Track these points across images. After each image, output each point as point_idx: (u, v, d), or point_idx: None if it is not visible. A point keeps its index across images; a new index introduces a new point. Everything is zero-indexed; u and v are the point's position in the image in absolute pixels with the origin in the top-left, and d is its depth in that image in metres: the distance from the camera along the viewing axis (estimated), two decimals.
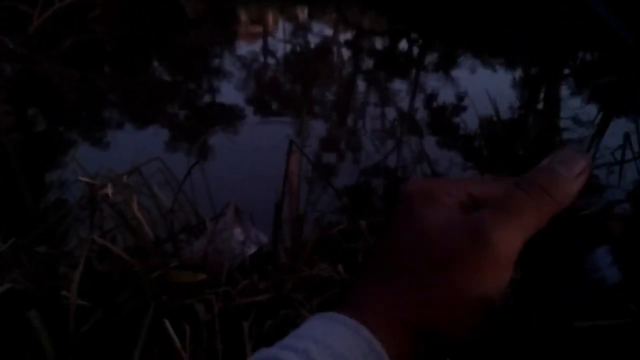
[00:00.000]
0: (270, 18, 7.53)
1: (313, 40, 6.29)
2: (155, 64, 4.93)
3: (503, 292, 0.29)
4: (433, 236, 0.29)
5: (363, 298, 0.30)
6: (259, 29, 6.85)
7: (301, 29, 6.96)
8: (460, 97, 3.85)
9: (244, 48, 5.56)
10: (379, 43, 6.40)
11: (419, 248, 0.30)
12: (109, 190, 1.40)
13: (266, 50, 5.59)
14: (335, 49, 5.98)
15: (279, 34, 6.55)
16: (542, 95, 4.33)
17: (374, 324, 0.28)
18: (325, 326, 0.28)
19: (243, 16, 7.45)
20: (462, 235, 0.28)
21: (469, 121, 3.12)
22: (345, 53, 5.82)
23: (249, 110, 3.57)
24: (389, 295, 0.29)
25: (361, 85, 4.64)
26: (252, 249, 1.49)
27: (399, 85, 4.42)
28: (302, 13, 7.92)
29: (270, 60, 5.26)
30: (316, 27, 7.17)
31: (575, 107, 3.63)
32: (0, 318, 1.17)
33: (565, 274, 0.31)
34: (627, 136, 2.32)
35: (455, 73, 4.69)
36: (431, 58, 5.65)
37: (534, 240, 0.29)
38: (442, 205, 0.30)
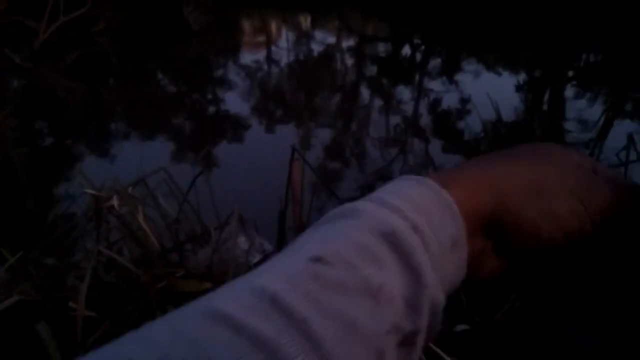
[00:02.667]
0: (273, 27, 7.58)
1: (316, 48, 6.32)
2: (160, 75, 4.98)
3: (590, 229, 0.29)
4: (548, 151, 0.31)
5: (446, 174, 0.29)
6: (262, 38, 6.90)
7: (304, 37, 7.00)
8: (464, 101, 3.86)
9: (247, 57, 5.60)
10: (381, 49, 6.42)
11: (533, 152, 0.32)
12: (115, 202, 1.42)
13: (269, 59, 5.63)
14: (338, 56, 6.01)
15: (282, 43, 6.59)
16: (545, 98, 4.33)
17: (450, 188, 0.28)
18: (399, 182, 0.28)
19: (246, 26, 7.50)
20: (580, 164, 0.31)
21: (474, 125, 3.12)
22: (349, 60, 5.85)
23: (252, 119, 3.60)
24: (479, 172, 0.29)
25: (364, 91, 4.66)
26: (256, 258, 1.50)
27: (403, 91, 4.43)
28: (305, 21, 7.96)
29: (274, 69, 5.30)
30: (319, 34, 7.20)
31: (579, 108, 3.63)
32: (9, 330, 1.19)
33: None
34: (631, 137, 2.31)
35: (458, 77, 4.70)
36: (434, 63, 5.66)
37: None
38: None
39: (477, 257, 0.28)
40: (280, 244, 1.50)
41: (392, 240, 0.24)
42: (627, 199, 0.31)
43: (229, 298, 0.22)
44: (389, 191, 0.27)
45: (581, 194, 0.29)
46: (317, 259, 0.23)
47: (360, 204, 0.27)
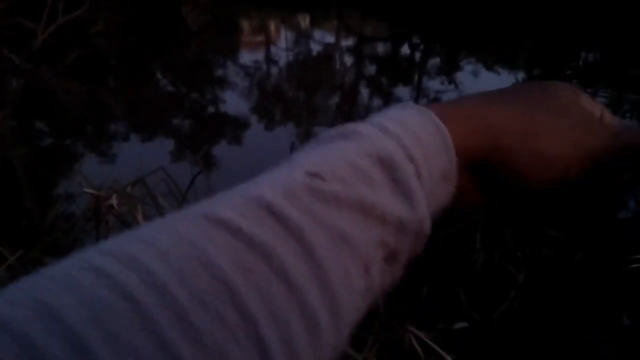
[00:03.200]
0: (272, 27, 7.58)
1: (315, 48, 6.33)
2: (158, 75, 4.98)
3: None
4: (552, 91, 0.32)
5: (446, 106, 0.30)
6: (261, 38, 6.90)
7: (303, 37, 7.00)
8: None
9: (246, 57, 5.60)
10: (380, 49, 6.42)
11: (540, 91, 0.32)
12: (114, 201, 1.42)
13: (268, 59, 5.63)
14: (337, 56, 6.01)
15: (281, 43, 6.59)
16: None
17: (453, 122, 0.28)
18: (401, 110, 0.29)
19: (245, 26, 7.51)
20: (579, 102, 0.31)
21: None
22: (347, 60, 5.85)
23: (251, 119, 3.60)
24: (478, 109, 0.30)
25: (363, 91, 4.67)
26: None
27: (401, 91, 4.43)
28: (304, 21, 7.96)
29: (273, 69, 5.30)
30: (318, 34, 7.21)
31: None
32: None
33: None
34: None
35: (457, 76, 4.70)
36: (433, 62, 5.67)
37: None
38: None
39: (461, 191, 0.29)
40: None
41: (388, 165, 0.25)
42: (627, 150, 0.32)
43: (227, 204, 0.22)
44: (390, 117, 0.28)
45: (575, 138, 0.30)
46: (314, 174, 0.24)
47: (360, 126, 0.27)
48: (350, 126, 0.27)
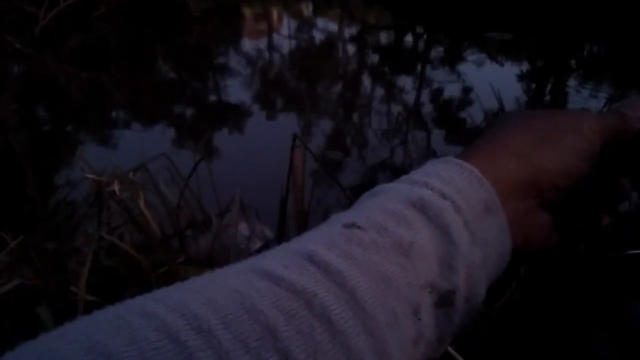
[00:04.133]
0: (274, 14, 7.53)
1: (318, 36, 6.29)
2: (160, 61, 4.95)
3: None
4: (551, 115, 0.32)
5: (467, 152, 0.31)
6: (263, 25, 6.86)
7: (306, 25, 6.96)
8: (466, 91, 3.84)
9: (248, 45, 5.57)
10: (383, 38, 6.38)
11: (542, 115, 0.32)
12: (116, 187, 1.42)
13: (271, 47, 5.60)
14: (340, 44, 5.97)
15: (284, 30, 6.55)
16: (548, 88, 4.31)
17: (475, 162, 0.29)
18: (423, 165, 0.30)
19: (247, 13, 7.46)
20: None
21: (476, 115, 3.11)
22: (350, 48, 5.82)
23: (254, 107, 3.59)
24: (495, 141, 0.31)
25: (366, 80, 4.64)
26: (257, 244, 1.51)
27: (405, 80, 4.41)
28: (307, 9, 7.91)
29: (275, 57, 5.27)
30: (321, 22, 7.16)
31: (581, 99, 3.61)
32: (10, 313, 1.19)
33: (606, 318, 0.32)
34: None
35: (461, 67, 4.68)
36: (437, 52, 5.63)
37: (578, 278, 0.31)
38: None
39: (523, 220, 0.29)
40: (282, 230, 1.50)
41: (421, 205, 0.25)
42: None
43: (271, 258, 0.23)
44: (416, 172, 0.29)
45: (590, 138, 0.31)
46: (351, 225, 0.24)
47: (388, 184, 0.28)
48: (380, 186, 0.29)
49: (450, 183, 0.27)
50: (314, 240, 0.24)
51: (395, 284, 0.23)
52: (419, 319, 0.23)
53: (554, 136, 0.30)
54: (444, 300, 0.24)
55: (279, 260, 0.23)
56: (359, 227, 0.24)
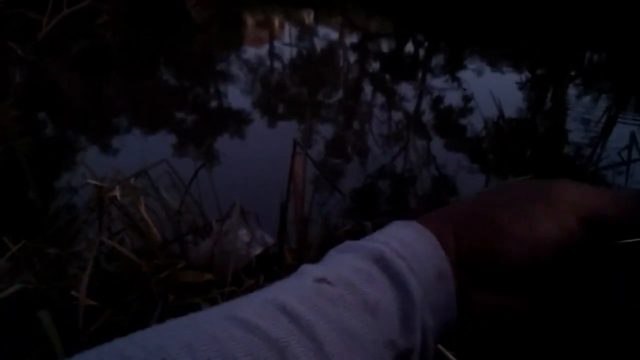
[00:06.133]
0: (276, 22, 7.56)
1: (319, 44, 6.31)
2: (163, 68, 4.98)
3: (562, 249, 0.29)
4: (513, 191, 0.32)
5: (435, 215, 0.32)
6: (265, 33, 6.89)
7: (307, 33, 6.99)
8: (467, 99, 3.86)
9: (250, 52, 5.59)
10: (384, 46, 6.41)
11: (493, 195, 0.32)
12: (117, 192, 1.42)
13: (272, 54, 5.62)
14: (341, 52, 6.00)
15: (285, 38, 6.58)
16: (549, 96, 4.32)
17: (432, 227, 0.30)
18: (388, 226, 0.32)
19: (249, 21, 7.49)
20: (535, 188, 0.31)
21: (476, 123, 3.12)
22: (351, 56, 5.84)
23: (255, 114, 3.60)
24: (451, 214, 0.31)
25: (367, 87, 4.66)
26: (257, 250, 1.51)
27: (405, 88, 4.43)
28: (308, 17, 7.95)
29: (277, 64, 5.29)
30: (322, 30, 7.19)
31: (582, 107, 3.63)
32: (11, 317, 1.19)
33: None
34: (633, 136, 2.32)
35: (461, 75, 4.69)
36: (437, 60, 5.65)
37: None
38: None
39: (466, 294, 0.30)
40: (282, 236, 1.50)
41: (383, 264, 0.27)
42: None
43: (245, 306, 0.24)
44: (378, 232, 0.31)
45: (570, 207, 0.30)
46: (321, 280, 0.26)
47: (354, 242, 0.30)
48: (346, 243, 0.30)
49: (408, 245, 0.29)
50: (286, 291, 0.25)
51: (360, 340, 0.24)
52: None
53: (523, 215, 0.29)
54: (402, 358, 0.26)
55: (253, 308, 0.24)
56: (328, 282, 0.26)
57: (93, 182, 1.46)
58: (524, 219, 0.29)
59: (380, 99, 4.19)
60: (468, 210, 0.31)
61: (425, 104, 3.94)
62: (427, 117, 3.68)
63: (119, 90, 4.07)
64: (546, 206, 0.29)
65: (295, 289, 0.25)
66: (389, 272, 0.27)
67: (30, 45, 4.68)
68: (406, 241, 0.29)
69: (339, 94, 4.30)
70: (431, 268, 0.28)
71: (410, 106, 3.90)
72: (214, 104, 4.02)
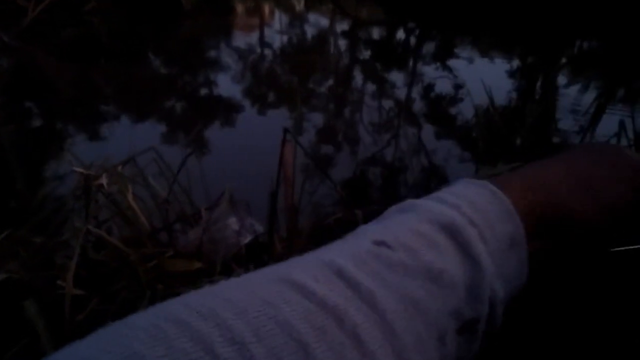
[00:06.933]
0: (266, 9, 7.49)
1: (310, 31, 6.27)
2: (151, 55, 4.92)
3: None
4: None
5: (503, 177, 0.31)
6: (255, 20, 6.82)
7: (297, 20, 6.93)
8: (458, 87, 3.85)
9: (240, 39, 5.54)
10: (375, 33, 6.38)
11: (586, 152, 0.33)
12: (104, 180, 1.41)
13: (262, 42, 5.57)
14: (331, 39, 5.96)
15: (275, 25, 6.52)
16: (538, 84, 4.33)
17: (510, 192, 0.29)
18: (458, 184, 0.30)
19: (239, 7, 7.41)
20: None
21: (466, 111, 3.12)
22: (342, 44, 5.81)
23: (245, 101, 3.57)
24: (532, 175, 0.31)
25: (358, 75, 4.64)
26: (247, 238, 1.50)
27: (396, 76, 4.41)
28: (299, 4, 7.88)
29: (267, 52, 5.25)
30: (313, 18, 7.14)
31: (571, 95, 3.64)
32: None
33: None
34: (622, 124, 2.32)
35: (452, 63, 4.68)
36: (428, 48, 5.64)
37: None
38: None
39: (540, 260, 0.29)
40: (272, 224, 1.49)
41: (451, 231, 0.25)
42: None
43: (300, 268, 0.23)
44: (447, 191, 0.29)
45: (632, 183, 0.31)
46: (380, 243, 0.24)
47: (418, 200, 0.28)
48: (409, 201, 0.28)
49: (481, 210, 0.27)
50: (343, 254, 0.24)
51: (423, 309, 0.23)
52: (444, 345, 0.24)
53: (596, 183, 0.30)
54: (467, 327, 0.25)
55: (309, 271, 0.23)
56: (388, 246, 0.24)
57: (79, 170, 1.44)
58: (593, 187, 0.30)
59: (371, 87, 4.17)
60: (542, 175, 0.30)
61: (416, 92, 3.93)
62: (418, 105, 3.68)
63: (106, 77, 4.01)
64: (616, 172, 0.31)
65: (353, 252, 0.24)
66: (458, 240, 0.25)
67: (15, 32, 4.60)
68: (479, 205, 0.27)
69: (330, 82, 4.28)
70: (505, 235, 0.27)
71: (401, 94, 3.89)
72: (203, 91, 3.98)
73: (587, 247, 0.30)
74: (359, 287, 0.22)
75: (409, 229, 0.25)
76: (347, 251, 0.24)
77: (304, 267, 0.23)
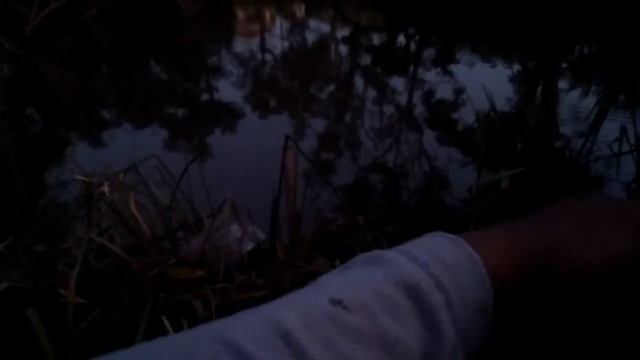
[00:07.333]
0: (267, 15, 7.52)
1: (310, 37, 6.28)
2: (152, 62, 4.93)
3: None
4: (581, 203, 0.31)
5: (478, 235, 0.29)
6: (255, 26, 6.84)
7: (298, 26, 6.95)
8: (459, 92, 3.85)
9: (240, 45, 5.55)
10: (376, 39, 6.39)
11: (567, 206, 0.31)
12: (106, 188, 1.41)
13: (263, 48, 5.59)
14: (332, 45, 5.97)
15: (276, 31, 6.54)
16: (539, 89, 4.33)
17: (486, 250, 0.27)
18: (431, 238, 0.28)
19: (240, 13, 7.44)
20: (611, 206, 0.31)
21: (468, 116, 3.12)
22: (343, 49, 5.82)
23: (246, 108, 3.57)
24: (516, 229, 0.29)
25: (358, 81, 4.64)
26: (249, 246, 1.50)
27: (397, 81, 4.42)
28: (299, 10, 7.90)
29: (268, 58, 5.26)
30: (313, 23, 7.16)
31: (572, 100, 3.64)
32: None
33: None
34: (623, 129, 2.33)
35: (453, 68, 4.69)
36: (428, 53, 5.64)
37: None
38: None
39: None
40: (274, 232, 1.49)
41: (416, 295, 0.24)
42: None
43: (243, 327, 0.21)
44: (419, 246, 0.27)
45: (632, 225, 0.29)
46: (338, 302, 0.23)
47: (388, 253, 0.26)
48: (378, 253, 0.26)
49: (452, 272, 0.25)
50: (295, 313, 0.22)
51: None
52: None
53: (600, 231, 0.29)
54: None
55: (252, 331, 0.21)
56: (345, 307, 0.23)
57: (81, 178, 1.44)
58: (596, 236, 0.28)
59: (372, 92, 4.18)
60: (531, 227, 0.29)
61: (417, 98, 3.93)
62: (419, 110, 3.68)
63: (107, 84, 4.02)
64: (616, 224, 0.29)
65: (306, 312, 0.22)
66: (422, 306, 0.23)
67: (17, 39, 4.62)
68: (451, 267, 0.25)
69: (331, 88, 4.28)
70: (475, 302, 0.25)
71: (402, 99, 3.89)
72: (204, 97, 3.99)
73: (593, 296, 0.29)
74: (303, 355, 0.20)
75: (371, 289, 0.24)
76: (301, 309, 0.22)
77: (248, 327, 0.21)
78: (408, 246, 0.27)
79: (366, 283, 0.24)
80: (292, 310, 0.22)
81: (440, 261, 0.25)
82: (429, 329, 0.23)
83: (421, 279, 0.24)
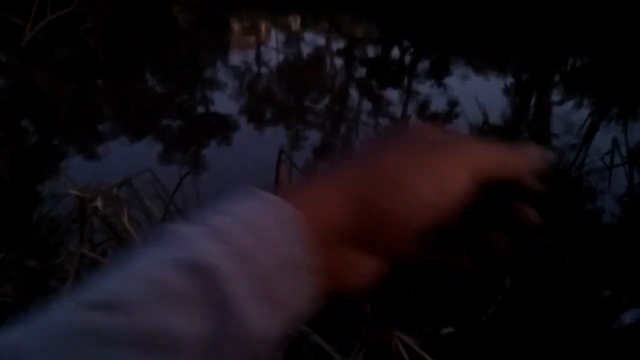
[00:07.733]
0: (262, 27, 7.56)
1: (305, 50, 6.32)
2: (147, 74, 4.94)
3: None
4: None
5: (295, 187, 0.27)
6: (251, 38, 6.88)
7: (294, 38, 6.99)
8: (452, 105, 3.88)
9: (236, 57, 5.58)
10: (371, 51, 6.43)
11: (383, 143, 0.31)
12: (99, 202, 1.41)
13: (259, 60, 5.61)
14: (327, 57, 6.01)
15: (272, 43, 6.58)
16: (532, 101, 4.36)
17: (308, 206, 0.25)
18: (238, 197, 0.26)
19: (235, 26, 7.48)
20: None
21: (462, 128, 3.14)
22: (338, 62, 5.85)
23: (240, 120, 3.58)
24: (330, 181, 0.27)
25: (353, 93, 4.67)
26: None
27: (391, 93, 4.44)
28: (295, 22, 7.95)
29: (263, 70, 5.28)
30: (309, 36, 7.20)
31: (565, 112, 3.66)
32: None
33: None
34: (615, 141, 2.34)
35: (446, 80, 4.72)
36: (423, 66, 5.69)
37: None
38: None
39: (342, 268, 0.26)
40: None
41: (200, 273, 0.21)
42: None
43: None
44: (221, 210, 0.24)
45: (437, 183, 0.27)
46: (94, 306, 0.20)
47: (179, 227, 0.23)
48: (168, 227, 0.23)
49: (256, 234, 0.23)
50: (35, 333, 0.19)
51: None
52: None
53: (408, 180, 0.26)
54: None
55: None
56: (104, 308, 0.19)
57: (75, 192, 1.44)
58: (420, 180, 0.26)
59: (366, 104, 4.20)
60: (355, 172, 0.27)
61: (412, 109, 3.95)
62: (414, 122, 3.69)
63: (103, 97, 4.03)
64: (442, 165, 0.27)
65: (49, 329, 0.19)
66: (207, 283, 0.20)
67: (13, 51, 4.62)
68: (257, 227, 0.23)
69: (326, 100, 4.30)
70: (286, 261, 0.22)
71: (397, 111, 3.91)
72: (199, 110, 4.00)
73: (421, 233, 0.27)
74: None
75: (143, 278, 0.20)
76: (43, 326, 0.19)
77: None
78: (208, 212, 0.24)
79: (141, 270, 0.21)
80: (33, 330, 0.19)
81: (244, 223, 0.23)
82: (215, 308, 0.20)
83: (213, 250, 0.21)
